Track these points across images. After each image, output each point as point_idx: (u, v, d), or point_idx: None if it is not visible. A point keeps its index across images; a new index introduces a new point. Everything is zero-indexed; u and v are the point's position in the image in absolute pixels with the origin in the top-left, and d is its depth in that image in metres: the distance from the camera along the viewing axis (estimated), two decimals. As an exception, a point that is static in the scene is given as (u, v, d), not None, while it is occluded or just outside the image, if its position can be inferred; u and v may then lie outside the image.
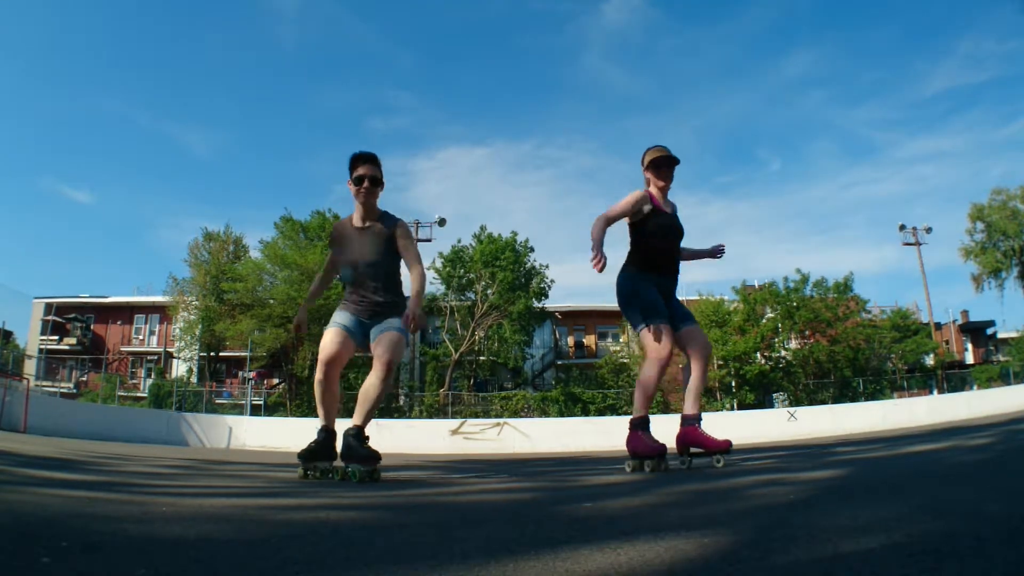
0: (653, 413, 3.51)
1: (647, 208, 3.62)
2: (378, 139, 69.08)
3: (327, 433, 3.43)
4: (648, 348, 3.43)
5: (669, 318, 3.50)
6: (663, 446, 3.35)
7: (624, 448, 3.56)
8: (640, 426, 3.41)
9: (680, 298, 3.79)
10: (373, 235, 3.45)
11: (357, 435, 3.22)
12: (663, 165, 3.70)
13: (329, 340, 3.43)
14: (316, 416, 3.60)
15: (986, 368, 27.97)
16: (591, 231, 3.40)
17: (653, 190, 3.72)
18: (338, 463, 3.34)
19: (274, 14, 69.26)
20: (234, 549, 1.27)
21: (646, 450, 3.34)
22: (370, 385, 3.31)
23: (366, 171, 3.41)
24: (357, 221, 3.49)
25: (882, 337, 26.28)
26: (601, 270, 3.23)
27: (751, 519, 1.51)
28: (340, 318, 3.51)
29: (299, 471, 3.43)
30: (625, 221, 3.63)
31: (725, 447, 3.40)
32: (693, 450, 3.49)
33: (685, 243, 3.89)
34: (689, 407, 3.52)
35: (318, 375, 3.40)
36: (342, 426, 3.34)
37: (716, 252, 4.00)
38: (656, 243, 3.62)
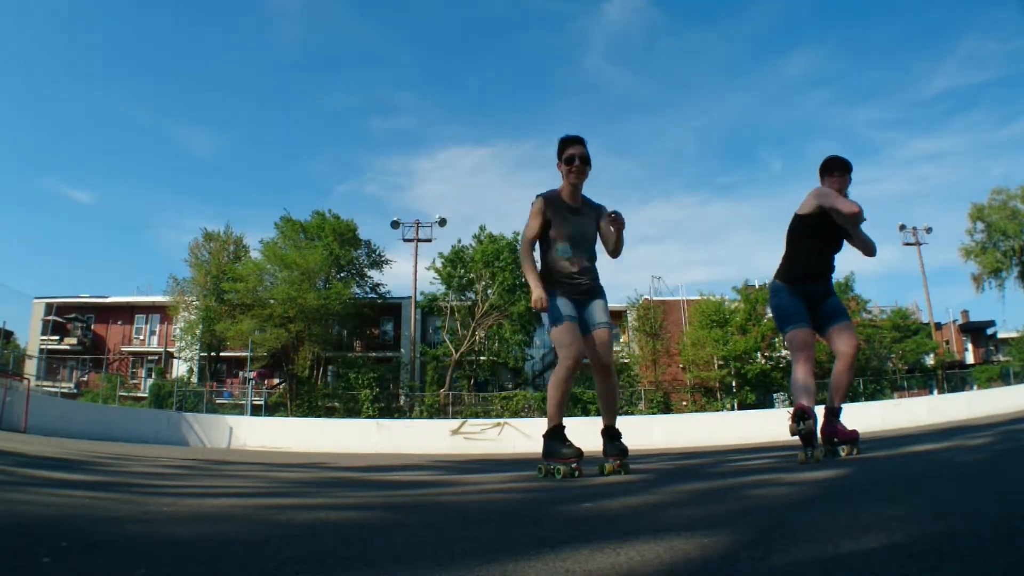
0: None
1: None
2: (379, 139, 69.12)
3: (563, 428, 3.41)
4: (792, 354, 3.73)
5: (818, 318, 3.75)
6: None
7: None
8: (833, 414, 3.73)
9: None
10: (590, 217, 3.53)
11: (616, 434, 3.47)
12: (835, 169, 3.79)
13: (575, 337, 3.33)
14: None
15: (986, 368, 27.97)
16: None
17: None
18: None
19: (276, 13, 69.25)
20: (234, 549, 1.27)
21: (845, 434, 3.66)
22: (611, 387, 3.52)
23: (576, 151, 3.43)
24: (568, 200, 3.49)
25: (882, 337, 26.30)
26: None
27: (751, 519, 1.51)
28: (566, 308, 3.37)
29: (563, 470, 3.24)
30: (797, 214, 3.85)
31: (852, 437, 3.65)
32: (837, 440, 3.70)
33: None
34: (832, 400, 3.76)
35: (565, 374, 3.32)
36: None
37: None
38: (807, 244, 3.78)
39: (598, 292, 3.50)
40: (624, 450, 3.42)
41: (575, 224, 3.46)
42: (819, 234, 3.69)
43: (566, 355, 3.28)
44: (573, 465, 3.23)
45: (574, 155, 3.42)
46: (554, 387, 3.36)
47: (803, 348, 3.65)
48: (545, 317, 3.39)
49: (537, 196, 3.48)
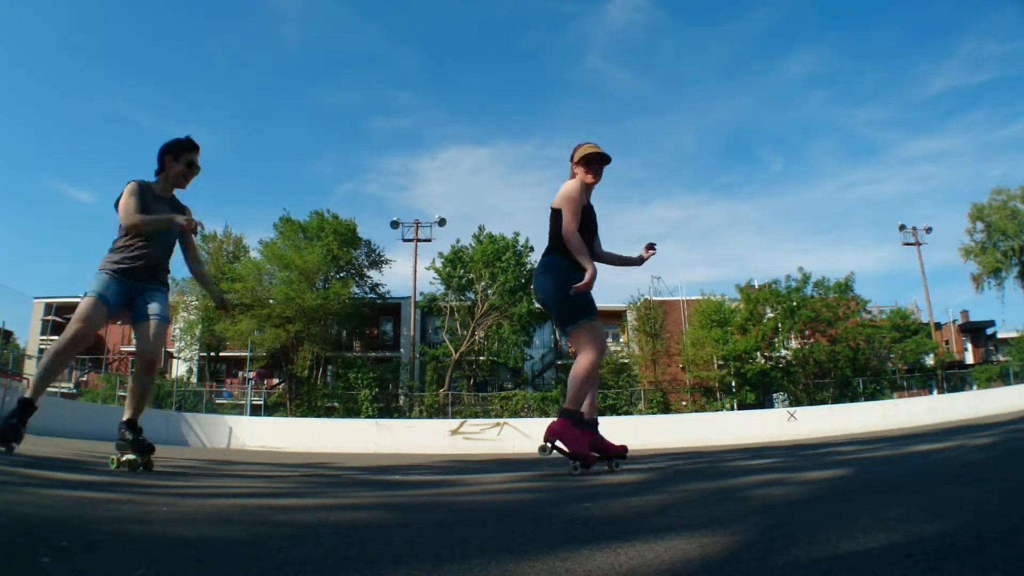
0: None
1: (584, 199, 3.65)
2: (380, 139, 69.15)
3: (33, 404, 3.50)
4: (595, 343, 3.44)
5: None
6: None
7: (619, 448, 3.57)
8: (576, 420, 3.42)
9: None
10: (176, 210, 3.71)
11: (138, 427, 3.43)
12: (595, 161, 3.68)
13: (93, 315, 3.40)
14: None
15: (986, 368, 27.97)
16: (575, 247, 3.48)
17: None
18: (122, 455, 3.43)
19: (277, 14, 69.30)
20: (234, 549, 1.27)
21: (583, 449, 3.35)
22: (149, 382, 3.54)
23: (195, 159, 3.70)
24: (160, 192, 3.69)
25: (882, 337, 26.29)
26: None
27: (751, 519, 1.51)
28: (110, 289, 3.45)
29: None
30: (555, 207, 3.61)
31: (622, 452, 3.47)
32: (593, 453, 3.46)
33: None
34: (588, 407, 3.52)
35: (63, 346, 3.40)
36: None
37: (641, 260, 3.90)
38: (584, 236, 3.57)
39: (162, 285, 3.63)
40: (151, 447, 3.41)
41: (159, 212, 3.58)
42: (582, 226, 3.59)
43: (73, 327, 3.37)
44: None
45: (193, 162, 3.68)
46: (49, 357, 3.45)
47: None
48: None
49: (131, 181, 3.58)
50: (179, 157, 3.64)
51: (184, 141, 3.67)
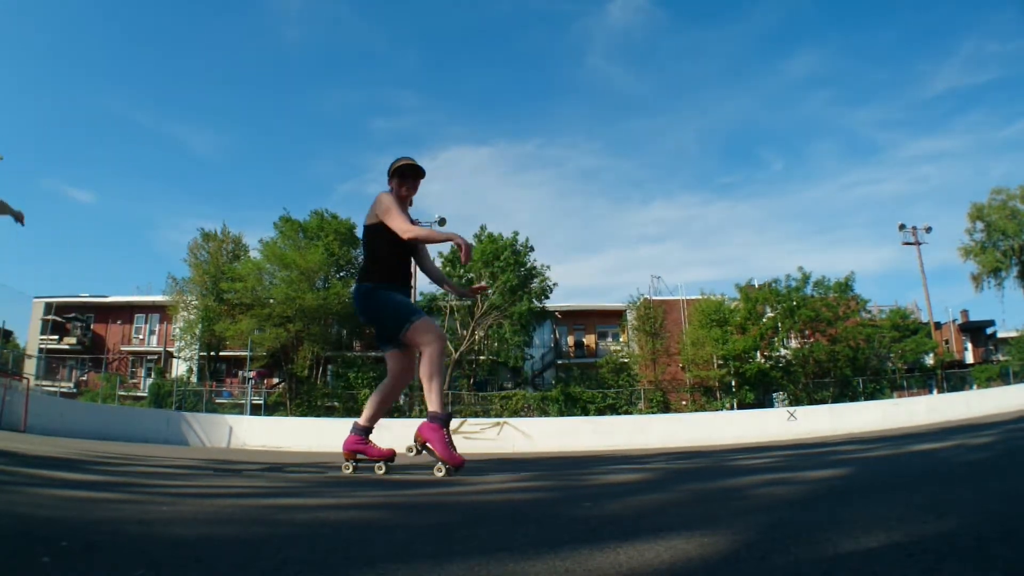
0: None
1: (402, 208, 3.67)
2: (381, 139, 69.18)
3: None
4: (433, 334, 3.47)
5: None
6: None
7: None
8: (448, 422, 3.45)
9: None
10: None
11: None
12: (409, 175, 3.73)
13: None
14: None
15: (986, 368, 27.97)
16: (424, 236, 3.58)
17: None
18: None
19: (277, 14, 69.31)
20: (234, 549, 1.27)
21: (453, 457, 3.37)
22: None
23: None
24: None
25: (882, 337, 26.29)
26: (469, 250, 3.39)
27: (751, 519, 1.51)
28: None
29: None
30: (367, 224, 3.65)
31: (389, 455, 3.63)
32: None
33: None
34: (371, 417, 3.68)
35: None
36: None
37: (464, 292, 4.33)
38: (399, 251, 3.62)
39: None
40: None
41: None
42: (397, 242, 3.59)
43: None
44: None
45: None
46: None
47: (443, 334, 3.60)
48: None
49: None
50: None
51: None
